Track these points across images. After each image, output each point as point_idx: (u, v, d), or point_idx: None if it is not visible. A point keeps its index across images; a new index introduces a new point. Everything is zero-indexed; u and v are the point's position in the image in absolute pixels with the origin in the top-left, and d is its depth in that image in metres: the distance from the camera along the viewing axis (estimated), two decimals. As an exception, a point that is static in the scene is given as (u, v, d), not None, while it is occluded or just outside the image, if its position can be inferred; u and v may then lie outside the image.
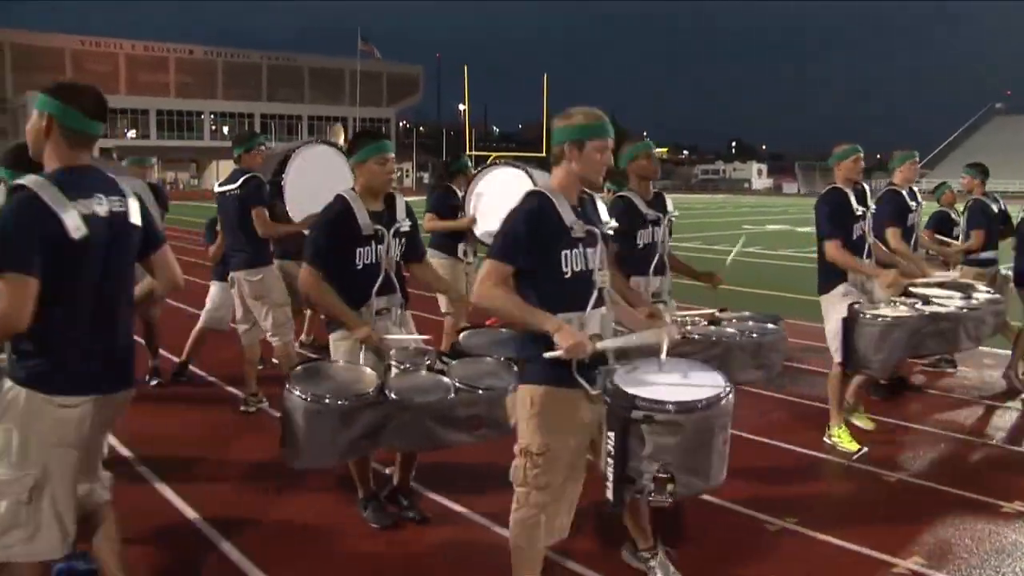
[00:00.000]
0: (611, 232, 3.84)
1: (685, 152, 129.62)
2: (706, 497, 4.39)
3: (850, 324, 5.13)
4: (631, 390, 2.84)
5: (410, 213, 4.17)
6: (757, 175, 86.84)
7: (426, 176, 64.56)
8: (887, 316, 5.03)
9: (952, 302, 5.28)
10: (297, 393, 3.43)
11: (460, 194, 7.22)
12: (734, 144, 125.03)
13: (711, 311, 4.80)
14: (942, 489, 4.82)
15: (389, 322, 4.05)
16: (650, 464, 2.81)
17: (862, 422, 5.81)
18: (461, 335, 4.29)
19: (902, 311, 5.11)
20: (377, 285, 3.98)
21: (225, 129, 69.57)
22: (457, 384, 3.59)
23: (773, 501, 4.57)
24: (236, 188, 5.81)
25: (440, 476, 4.67)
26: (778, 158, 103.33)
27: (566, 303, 3.02)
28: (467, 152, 48.24)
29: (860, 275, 5.36)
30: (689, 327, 4.37)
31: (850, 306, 5.18)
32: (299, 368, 3.68)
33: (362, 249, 3.92)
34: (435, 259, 6.79)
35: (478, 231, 6.95)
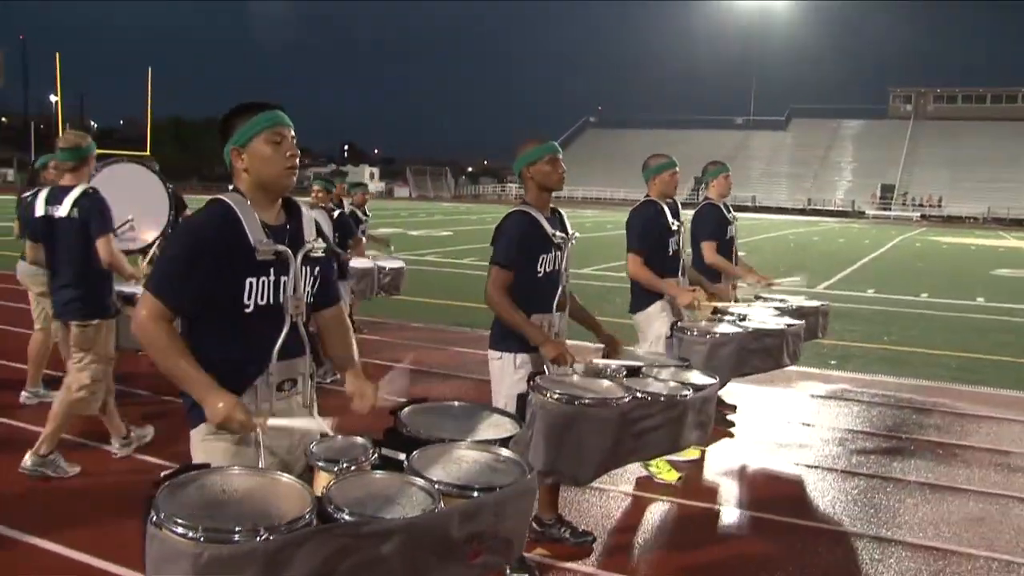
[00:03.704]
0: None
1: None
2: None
3: (677, 343, 4.81)
4: None
5: (321, 232, 2.65)
6: (370, 178, 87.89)
7: (10, 173, 55.98)
8: (715, 332, 4.85)
9: (772, 319, 5.30)
10: (179, 531, 1.81)
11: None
12: (347, 147, 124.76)
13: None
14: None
15: (295, 403, 2.59)
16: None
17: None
18: (402, 411, 2.72)
19: (726, 327, 4.97)
20: (280, 342, 2.49)
21: None
22: (438, 486, 2.18)
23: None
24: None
25: None
26: (390, 162, 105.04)
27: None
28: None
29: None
30: (617, 379, 3.47)
31: (673, 324, 4.95)
32: (164, 488, 1.97)
33: (254, 280, 2.42)
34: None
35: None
